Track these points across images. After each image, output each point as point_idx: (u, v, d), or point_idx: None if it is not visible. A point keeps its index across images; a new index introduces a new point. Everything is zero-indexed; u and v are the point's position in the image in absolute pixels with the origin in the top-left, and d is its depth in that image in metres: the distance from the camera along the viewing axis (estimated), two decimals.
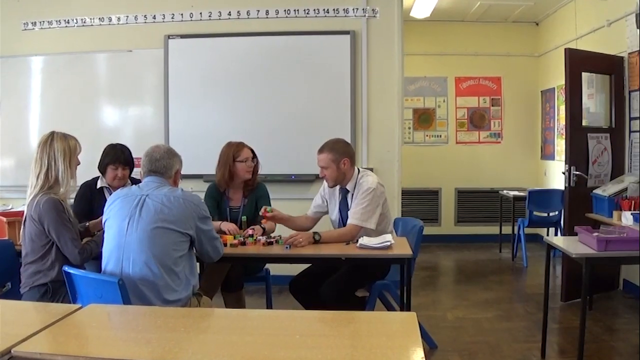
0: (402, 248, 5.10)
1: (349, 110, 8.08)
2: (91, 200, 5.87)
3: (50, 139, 4.60)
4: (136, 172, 5.81)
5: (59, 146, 4.58)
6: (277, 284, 7.06)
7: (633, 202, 6.58)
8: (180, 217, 4.09)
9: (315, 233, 5.34)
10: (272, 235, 5.60)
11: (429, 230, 7.99)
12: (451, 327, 6.75)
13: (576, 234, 5.43)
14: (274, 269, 6.47)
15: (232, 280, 6.04)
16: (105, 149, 5.98)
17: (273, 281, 6.46)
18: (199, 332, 3.03)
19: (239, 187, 6.17)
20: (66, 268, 4.04)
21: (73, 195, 5.70)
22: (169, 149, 4.52)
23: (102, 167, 5.92)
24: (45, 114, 8.53)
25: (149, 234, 3.99)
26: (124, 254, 4.00)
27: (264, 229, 5.78)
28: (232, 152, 6.10)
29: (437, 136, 12.11)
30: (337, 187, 5.82)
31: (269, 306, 6.43)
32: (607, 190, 7.07)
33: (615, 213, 6.65)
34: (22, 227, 4.59)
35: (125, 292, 3.72)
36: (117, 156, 5.88)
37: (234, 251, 5.14)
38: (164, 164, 4.39)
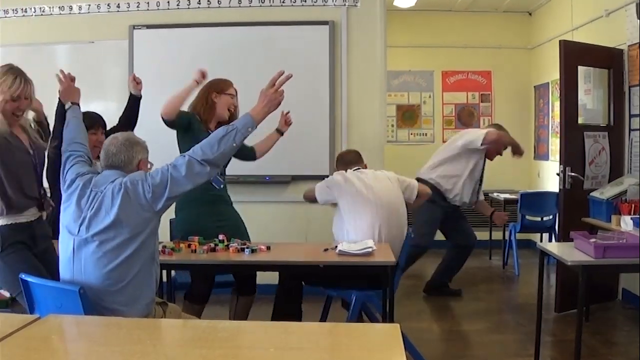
0: (384, 255, 5.12)
1: (327, 106, 8.09)
2: None
3: None
4: None
5: None
6: None
7: (633, 205, 6.58)
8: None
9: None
10: (242, 241, 5.60)
11: None
12: (438, 339, 6.78)
13: (572, 240, 5.46)
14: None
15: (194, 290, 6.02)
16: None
17: None
18: (165, 345, 3.03)
19: (209, 127, 6.10)
20: (23, 276, 4.02)
21: None
22: (128, 139, 4.40)
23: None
24: None
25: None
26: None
27: (281, 133, 6.62)
28: (220, 84, 6.33)
29: (423, 134, 12.15)
30: None
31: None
32: (605, 192, 7.09)
33: (613, 217, 6.68)
34: None
35: (87, 301, 3.71)
36: (96, 119, 6.04)
37: (200, 258, 5.16)
38: (122, 158, 4.27)
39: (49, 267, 4.48)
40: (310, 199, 6.36)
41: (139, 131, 8.12)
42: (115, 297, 3.90)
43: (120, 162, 4.25)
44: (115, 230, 3.93)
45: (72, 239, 4.00)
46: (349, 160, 6.42)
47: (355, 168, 6.27)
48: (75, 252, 3.98)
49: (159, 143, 7.82)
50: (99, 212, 3.97)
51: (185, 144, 5.85)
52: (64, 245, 4.06)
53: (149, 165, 4.43)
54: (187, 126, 6.07)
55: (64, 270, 4.04)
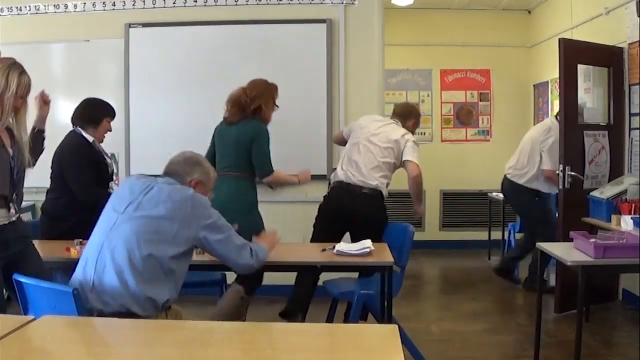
0: (383, 255, 5.12)
1: (324, 105, 8.08)
2: (97, 161, 6.06)
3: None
4: None
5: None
6: None
7: (633, 205, 6.58)
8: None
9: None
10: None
11: None
12: (436, 340, 6.77)
13: (571, 240, 5.46)
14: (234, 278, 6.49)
15: None
16: (94, 102, 6.23)
17: None
18: (161, 346, 3.02)
19: None
20: (16, 277, 4.01)
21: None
22: (194, 157, 4.56)
23: (97, 120, 6.09)
24: None
25: None
26: None
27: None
28: (275, 93, 6.70)
29: (421, 134, 12.13)
30: None
31: None
32: (605, 192, 7.09)
33: (613, 217, 6.68)
34: None
35: (80, 302, 3.70)
36: (112, 109, 6.23)
37: (194, 258, 5.15)
38: (178, 169, 4.42)
39: (26, 269, 4.31)
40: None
41: (133, 138, 8.18)
42: (128, 287, 3.89)
43: (175, 173, 4.40)
44: (159, 222, 4.03)
45: (116, 217, 4.11)
46: (393, 110, 7.35)
47: (391, 120, 7.11)
48: (113, 227, 4.07)
49: (152, 149, 7.95)
50: (152, 200, 4.10)
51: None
52: (103, 223, 4.17)
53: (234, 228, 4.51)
54: None
55: (92, 247, 4.10)
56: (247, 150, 6.41)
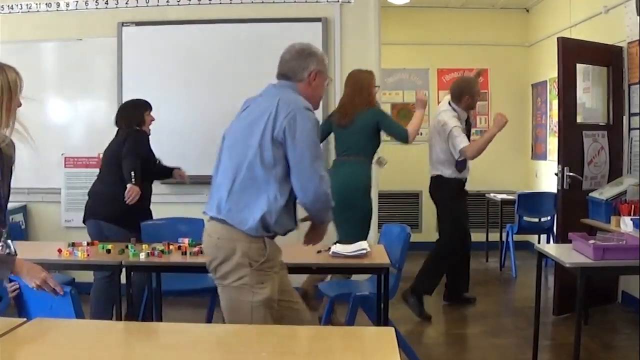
0: (379, 256, 5.12)
1: (320, 105, 8.03)
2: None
3: None
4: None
5: None
6: None
7: (633, 206, 6.58)
8: None
9: None
10: None
11: None
12: (433, 343, 6.77)
13: (570, 242, 5.47)
14: None
15: None
16: (128, 105, 7.06)
17: None
18: (155, 349, 3.02)
19: None
20: (12, 277, 3.99)
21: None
22: (304, 48, 4.38)
23: (140, 118, 6.86)
24: None
25: None
26: None
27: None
28: (371, 79, 7.20)
29: (418, 133, 12.12)
30: None
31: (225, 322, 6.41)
32: (605, 193, 7.10)
33: (613, 218, 6.69)
34: None
35: (77, 302, 3.69)
36: (146, 102, 6.97)
37: (191, 260, 5.17)
38: (293, 65, 4.32)
39: None
40: None
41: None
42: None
43: (290, 70, 4.33)
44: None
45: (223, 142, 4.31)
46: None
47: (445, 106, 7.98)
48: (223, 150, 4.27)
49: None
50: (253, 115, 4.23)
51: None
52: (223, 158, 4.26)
53: None
54: None
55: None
56: (373, 134, 7.12)
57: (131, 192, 6.46)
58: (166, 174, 7.27)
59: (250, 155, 4.03)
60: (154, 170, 6.99)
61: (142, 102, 6.99)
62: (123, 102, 8.16)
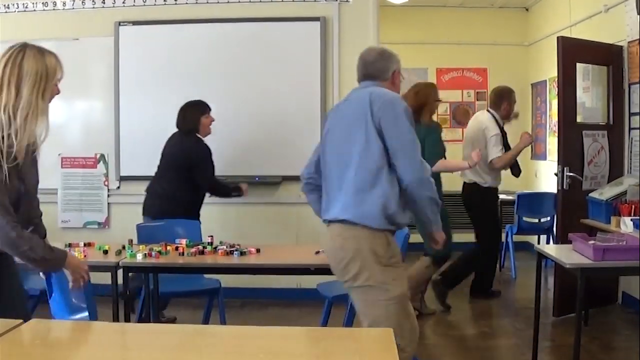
0: None
1: (318, 104, 8.06)
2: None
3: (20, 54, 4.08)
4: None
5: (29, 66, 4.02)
6: (233, 298, 7.10)
7: (633, 206, 6.56)
8: None
9: None
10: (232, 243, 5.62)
11: None
12: (431, 345, 6.77)
13: (570, 242, 5.47)
14: (227, 281, 6.49)
15: None
16: (186, 107, 7.16)
17: (227, 294, 6.49)
18: (150, 351, 3.00)
19: None
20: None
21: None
22: (383, 50, 4.67)
23: (196, 122, 7.06)
24: None
25: None
26: None
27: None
28: (435, 93, 7.53)
29: None
30: None
31: (223, 323, 6.42)
32: (605, 193, 7.10)
33: (613, 219, 6.68)
34: None
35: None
36: (203, 105, 7.16)
37: (187, 261, 5.18)
38: (378, 66, 4.56)
39: None
40: None
41: (124, 140, 8.16)
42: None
43: (376, 71, 4.56)
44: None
45: None
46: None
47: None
48: None
49: (143, 151, 7.96)
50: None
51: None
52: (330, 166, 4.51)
53: None
54: None
55: None
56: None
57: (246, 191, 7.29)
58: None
59: (359, 151, 4.26)
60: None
61: (198, 104, 7.15)
62: (120, 102, 8.20)
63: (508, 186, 11.22)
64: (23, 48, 4.05)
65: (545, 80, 11.05)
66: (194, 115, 7.06)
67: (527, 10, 12.01)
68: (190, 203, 7.02)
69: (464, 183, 8.34)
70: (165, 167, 7.12)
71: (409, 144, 4.24)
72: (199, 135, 7.05)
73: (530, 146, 11.43)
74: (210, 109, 7.13)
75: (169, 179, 7.01)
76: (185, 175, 6.92)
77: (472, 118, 8.68)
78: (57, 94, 4.05)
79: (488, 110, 8.19)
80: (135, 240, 6.06)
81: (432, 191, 4.27)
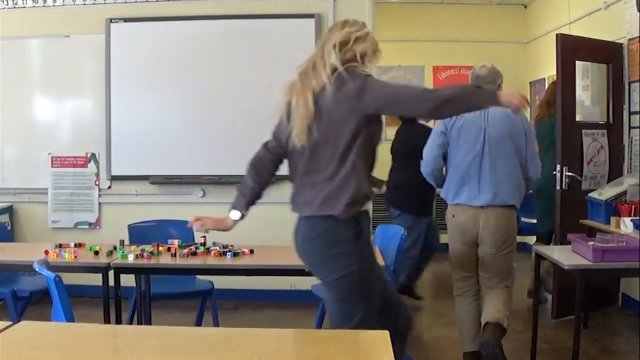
0: None
1: None
2: None
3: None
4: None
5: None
6: (226, 299, 7.08)
7: (633, 206, 6.56)
8: None
9: None
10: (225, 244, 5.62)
11: None
12: (428, 347, 6.77)
13: (569, 243, 5.47)
14: (220, 282, 6.49)
15: None
16: None
17: (220, 296, 6.48)
18: (141, 353, 3.00)
19: None
20: None
21: None
22: (493, 67, 5.76)
23: None
24: None
25: None
26: None
27: None
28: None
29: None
30: None
31: (216, 325, 6.42)
32: (604, 193, 7.09)
33: (613, 219, 6.67)
34: None
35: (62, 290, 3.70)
36: None
37: (179, 262, 5.19)
38: (491, 80, 5.61)
39: None
40: None
41: (115, 138, 8.14)
42: None
43: (487, 82, 5.49)
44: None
45: None
46: None
47: None
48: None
49: (134, 149, 7.95)
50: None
51: None
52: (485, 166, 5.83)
53: None
54: None
55: None
56: None
57: None
58: None
59: (510, 151, 5.75)
60: None
61: None
62: (111, 100, 8.18)
63: None
64: None
65: (544, 79, 11.04)
66: None
67: (525, 7, 12.01)
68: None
69: None
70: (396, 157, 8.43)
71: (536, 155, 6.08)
72: None
73: None
74: None
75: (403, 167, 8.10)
76: None
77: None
78: None
79: None
80: (126, 241, 6.06)
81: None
